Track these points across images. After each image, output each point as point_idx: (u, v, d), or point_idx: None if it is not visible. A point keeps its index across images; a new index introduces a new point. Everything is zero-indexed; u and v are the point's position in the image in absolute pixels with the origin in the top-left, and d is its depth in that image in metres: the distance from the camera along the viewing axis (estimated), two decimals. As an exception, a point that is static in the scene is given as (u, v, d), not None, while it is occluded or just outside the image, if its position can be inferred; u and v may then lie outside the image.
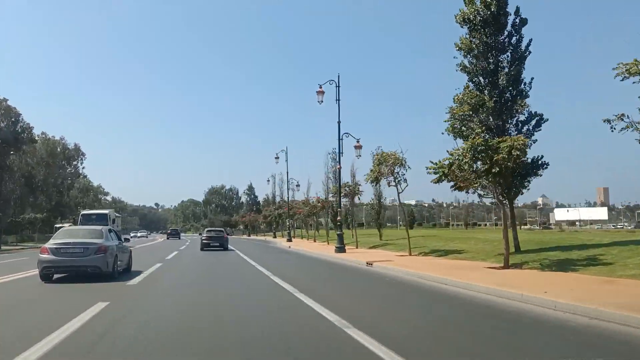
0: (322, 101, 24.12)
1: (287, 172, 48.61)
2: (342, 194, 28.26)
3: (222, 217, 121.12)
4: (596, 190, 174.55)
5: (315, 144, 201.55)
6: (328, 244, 33.36)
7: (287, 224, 49.64)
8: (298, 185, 50.89)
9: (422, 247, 22.23)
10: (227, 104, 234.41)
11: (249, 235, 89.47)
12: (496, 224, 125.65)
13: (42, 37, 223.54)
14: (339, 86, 24.55)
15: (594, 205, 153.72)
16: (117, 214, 39.20)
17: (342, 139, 25.12)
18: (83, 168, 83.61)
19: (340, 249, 23.24)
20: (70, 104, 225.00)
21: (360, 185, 31.35)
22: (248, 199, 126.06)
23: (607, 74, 11.10)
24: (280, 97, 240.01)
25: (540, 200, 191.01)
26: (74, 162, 79.10)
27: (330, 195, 37.52)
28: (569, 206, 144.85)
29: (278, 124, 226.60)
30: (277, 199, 71.93)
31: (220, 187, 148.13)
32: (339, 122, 24.73)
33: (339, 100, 24.50)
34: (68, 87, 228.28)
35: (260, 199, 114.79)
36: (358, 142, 25.77)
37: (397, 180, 19.53)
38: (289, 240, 43.66)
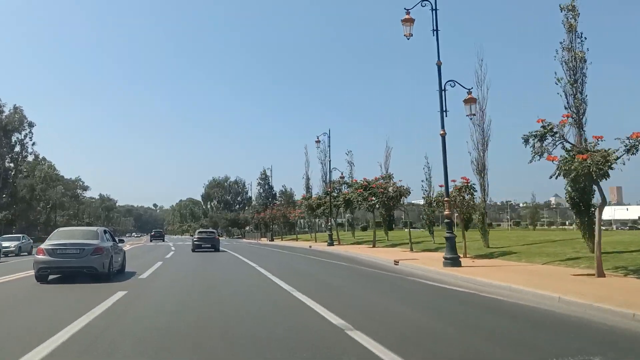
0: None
1: None
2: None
3: (228, 214, 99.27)
4: (609, 190, 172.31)
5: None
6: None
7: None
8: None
9: None
10: (225, 102, 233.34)
11: (272, 240, 57.14)
12: (548, 225, 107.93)
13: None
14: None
15: (609, 204, 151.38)
16: None
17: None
18: (33, 144, 56.58)
19: None
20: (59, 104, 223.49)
21: None
22: (262, 190, 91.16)
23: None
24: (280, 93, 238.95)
25: (553, 200, 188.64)
26: (15, 135, 52.54)
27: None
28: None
29: (275, 125, 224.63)
30: (315, 186, 51.38)
31: (223, 178, 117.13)
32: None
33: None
34: (62, 84, 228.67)
35: (277, 190, 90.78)
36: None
37: None
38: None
